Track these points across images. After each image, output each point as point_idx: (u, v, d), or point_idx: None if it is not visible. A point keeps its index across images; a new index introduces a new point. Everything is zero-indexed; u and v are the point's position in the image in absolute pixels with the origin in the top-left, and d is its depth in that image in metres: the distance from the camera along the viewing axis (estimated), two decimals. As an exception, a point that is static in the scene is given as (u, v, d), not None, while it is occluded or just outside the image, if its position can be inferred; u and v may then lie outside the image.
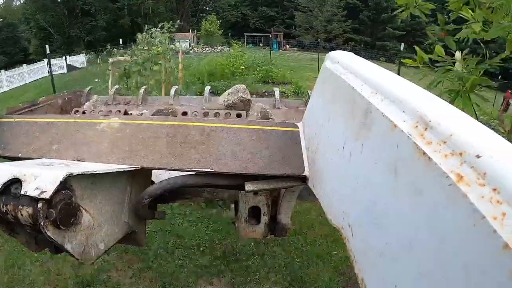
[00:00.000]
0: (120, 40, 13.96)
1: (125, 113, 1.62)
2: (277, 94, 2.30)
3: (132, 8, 37.74)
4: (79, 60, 26.21)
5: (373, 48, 38.49)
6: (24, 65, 21.29)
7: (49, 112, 1.91)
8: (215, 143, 1.14)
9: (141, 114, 1.75)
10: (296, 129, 1.19)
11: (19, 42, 41.88)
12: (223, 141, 1.14)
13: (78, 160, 1.17)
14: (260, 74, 12.08)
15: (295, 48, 36.89)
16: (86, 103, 2.09)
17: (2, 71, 19.33)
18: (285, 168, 1.09)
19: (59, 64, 22.71)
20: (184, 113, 1.59)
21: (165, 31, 6.11)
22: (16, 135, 1.32)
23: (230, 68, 11.70)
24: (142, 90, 2.21)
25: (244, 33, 36.36)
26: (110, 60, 6.15)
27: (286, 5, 44.33)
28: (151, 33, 6.02)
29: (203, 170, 1.09)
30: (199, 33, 33.64)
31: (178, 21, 6.21)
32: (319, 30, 38.95)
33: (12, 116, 1.43)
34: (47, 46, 5.75)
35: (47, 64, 20.83)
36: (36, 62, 22.81)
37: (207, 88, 2.32)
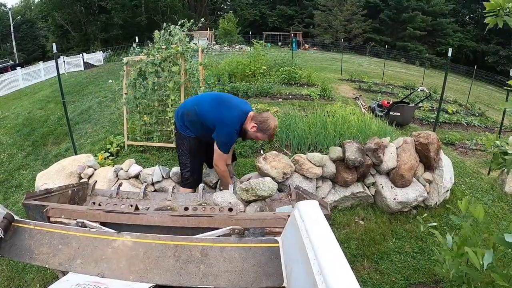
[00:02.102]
0: (136, 38, 13.40)
1: (136, 207, 1.74)
2: None
3: (149, 6, 37.58)
4: (95, 57, 26.05)
5: (394, 48, 37.44)
6: (40, 62, 21.13)
7: (61, 200, 2.15)
8: (213, 262, 1.29)
9: (147, 209, 1.98)
10: (276, 244, 1.32)
11: (37, 39, 42.34)
12: (220, 259, 1.30)
13: (102, 277, 1.28)
14: (283, 75, 11.40)
15: (314, 48, 36.11)
16: (97, 197, 2.40)
17: (18, 68, 19.18)
18: (268, 282, 1.23)
19: (76, 62, 22.53)
20: (186, 208, 1.71)
21: (186, 29, 5.47)
22: (39, 244, 1.41)
23: (251, 69, 11.05)
24: (143, 187, 2.41)
25: (262, 32, 35.82)
26: (124, 59, 5.55)
27: (305, 4, 43.59)
28: (170, 31, 5.39)
29: (207, 287, 1.24)
30: (217, 31, 33.18)
31: (202, 19, 5.54)
32: (338, 29, 38.16)
33: (30, 222, 1.51)
34: (54, 45, 5.21)
35: (63, 61, 20.76)
36: (53, 59, 22.62)
37: (201, 186, 2.48)
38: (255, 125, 2.90)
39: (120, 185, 2.70)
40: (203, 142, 3.11)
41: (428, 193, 4.11)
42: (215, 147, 2.94)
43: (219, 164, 3.02)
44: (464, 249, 1.87)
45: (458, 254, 1.89)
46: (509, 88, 1.66)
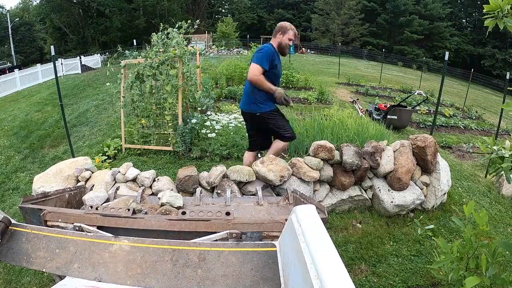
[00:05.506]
0: (134, 41, 13.42)
1: (134, 212, 1.72)
2: (259, 192, 2.52)
3: (147, 9, 37.62)
4: (93, 60, 26.02)
5: (391, 51, 37.64)
6: (38, 64, 21.08)
7: (58, 204, 2.16)
8: (211, 266, 1.29)
9: (145, 213, 1.96)
10: (274, 249, 1.33)
11: (35, 41, 42.25)
12: (217, 264, 1.29)
13: (99, 281, 1.28)
14: (280, 79, 11.40)
15: (312, 51, 36.22)
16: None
17: (16, 70, 19.13)
18: (265, 286, 1.22)
19: (74, 64, 22.49)
20: (183, 213, 1.71)
21: (183, 31, 5.47)
22: (36, 248, 1.41)
23: (248, 72, 11.06)
24: (140, 190, 2.43)
25: (260, 35, 35.89)
26: (122, 62, 5.55)
27: (302, 8, 43.83)
28: (167, 33, 5.39)
29: None
30: (215, 34, 33.25)
31: (198, 21, 5.54)
32: (335, 33, 38.34)
33: (27, 226, 1.50)
34: (52, 47, 5.16)
35: (61, 64, 20.70)
36: (51, 61, 22.54)
37: (198, 190, 2.52)
38: (279, 33, 3.58)
39: (118, 188, 2.70)
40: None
41: (425, 196, 4.12)
42: (251, 65, 3.53)
43: (256, 73, 3.45)
44: (464, 253, 1.88)
45: (458, 258, 1.90)
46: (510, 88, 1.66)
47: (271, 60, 3.47)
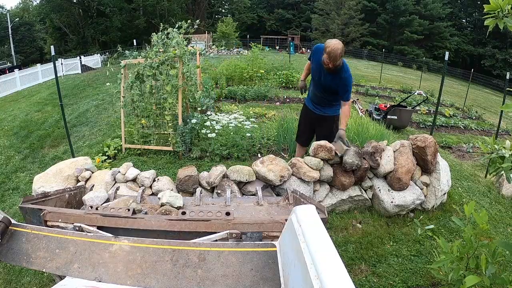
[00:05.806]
0: (134, 41, 13.42)
1: (134, 212, 1.72)
2: (259, 192, 2.52)
3: (147, 9, 37.60)
4: (93, 60, 26.00)
5: (391, 52, 37.63)
6: (38, 64, 21.07)
7: (58, 204, 2.18)
8: (211, 266, 1.29)
9: (145, 213, 1.97)
10: (274, 249, 1.33)
11: (35, 41, 42.26)
12: (217, 264, 1.30)
13: (99, 281, 1.28)
14: (280, 79, 11.44)
15: (312, 51, 36.19)
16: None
17: (16, 70, 19.13)
18: (265, 286, 1.22)
19: (74, 64, 22.47)
20: (183, 213, 1.71)
21: (183, 31, 5.47)
22: (36, 248, 1.41)
23: (249, 72, 11.07)
24: (140, 191, 2.45)
25: (260, 35, 35.92)
26: (122, 62, 5.55)
27: (302, 8, 43.82)
28: (167, 33, 5.38)
29: None
30: (215, 34, 33.26)
31: (198, 21, 5.53)
32: (335, 33, 38.27)
33: (27, 226, 1.51)
34: (52, 47, 5.15)
35: (61, 64, 20.69)
36: (51, 61, 22.51)
37: (198, 190, 2.54)
38: (323, 49, 3.51)
39: (118, 188, 2.70)
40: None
41: (425, 196, 4.12)
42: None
43: None
44: (464, 253, 1.88)
45: (458, 258, 1.90)
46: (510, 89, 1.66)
47: (312, 54, 3.91)
